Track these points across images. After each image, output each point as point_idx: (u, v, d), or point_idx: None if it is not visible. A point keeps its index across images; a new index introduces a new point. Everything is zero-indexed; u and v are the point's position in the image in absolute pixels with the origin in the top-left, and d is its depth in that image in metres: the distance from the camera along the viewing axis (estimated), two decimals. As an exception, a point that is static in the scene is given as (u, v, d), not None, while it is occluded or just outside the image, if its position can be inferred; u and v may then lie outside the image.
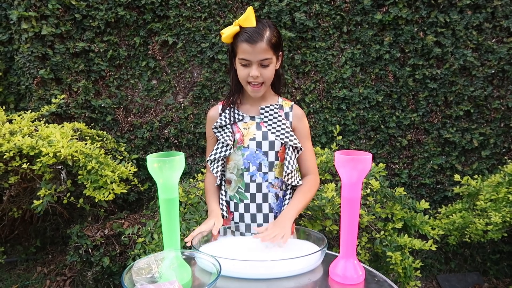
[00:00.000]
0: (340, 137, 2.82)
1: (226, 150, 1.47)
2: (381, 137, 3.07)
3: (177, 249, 1.06)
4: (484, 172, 3.04)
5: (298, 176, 1.50)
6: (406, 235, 2.27)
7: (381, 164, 2.56)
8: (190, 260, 1.05)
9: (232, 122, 1.49)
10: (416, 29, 2.87)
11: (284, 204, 1.47)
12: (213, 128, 1.52)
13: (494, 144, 3.03)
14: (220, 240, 1.31)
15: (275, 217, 1.46)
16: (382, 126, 3.05)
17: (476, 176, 2.77)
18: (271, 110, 1.48)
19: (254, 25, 1.33)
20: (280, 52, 1.43)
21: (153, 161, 1.04)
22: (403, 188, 2.39)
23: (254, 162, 1.46)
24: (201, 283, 0.91)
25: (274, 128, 1.45)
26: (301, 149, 1.46)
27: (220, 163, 1.51)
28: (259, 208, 1.47)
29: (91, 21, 2.90)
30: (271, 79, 1.41)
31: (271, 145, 1.44)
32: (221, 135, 1.49)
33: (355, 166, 1.04)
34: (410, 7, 2.85)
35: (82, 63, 2.96)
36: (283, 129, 1.45)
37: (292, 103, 1.52)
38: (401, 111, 3.02)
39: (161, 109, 3.12)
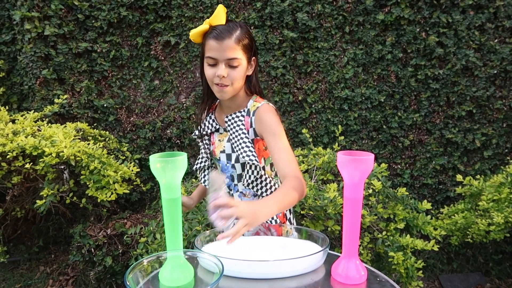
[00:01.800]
0: (342, 137, 2.80)
1: (201, 162, 1.48)
2: (383, 137, 3.07)
3: (180, 250, 1.06)
4: (487, 172, 3.02)
5: (267, 184, 1.40)
6: (408, 236, 2.26)
7: (383, 165, 2.54)
8: (192, 260, 1.06)
9: (209, 132, 1.46)
10: (418, 29, 2.87)
11: None
12: (195, 138, 1.51)
13: (496, 144, 3.01)
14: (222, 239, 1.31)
15: None
16: (384, 126, 3.05)
17: (478, 177, 2.75)
18: (234, 119, 1.37)
19: (224, 23, 1.25)
20: (254, 57, 1.33)
21: (155, 161, 1.04)
22: (405, 188, 2.39)
23: (227, 174, 1.43)
24: (204, 283, 0.92)
25: (234, 141, 1.36)
26: (256, 165, 1.34)
27: (206, 172, 1.52)
28: None
29: (93, 21, 2.91)
30: (239, 82, 1.29)
31: (237, 158, 1.38)
32: (202, 145, 1.49)
33: (357, 167, 1.03)
34: (412, 7, 2.84)
35: (85, 63, 2.96)
36: (239, 141, 1.34)
37: (261, 103, 1.34)
38: (403, 111, 3.02)
39: (164, 109, 3.12)
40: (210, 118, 1.45)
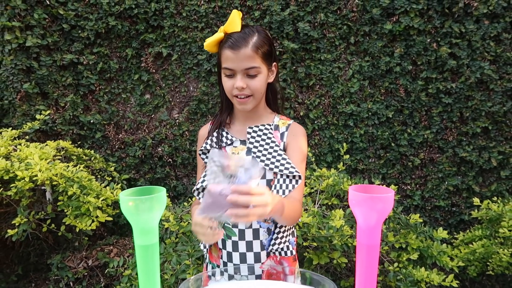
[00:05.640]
0: (348, 156, 2.65)
1: (203, 181, 1.29)
2: (392, 155, 2.88)
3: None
4: (504, 193, 2.83)
5: None
6: (422, 268, 2.06)
7: (392, 186, 2.37)
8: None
9: (219, 147, 1.31)
10: (429, 40, 2.70)
11: (277, 238, 1.27)
12: (200, 154, 1.34)
13: (514, 163, 2.81)
14: (211, 285, 1.10)
15: (268, 254, 1.27)
16: (393, 144, 2.87)
17: (495, 198, 2.57)
18: (261, 131, 1.29)
19: (239, 30, 1.19)
20: (274, 63, 1.27)
21: (126, 200, 0.84)
22: (418, 215, 2.20)
23: None
24: None
25: (260, 152, 1.25)
26: (299, 177, 1.22)
27: None
28: (249, 246, 1.27)
29: (80, 31, 2.78)
30: (260, 91, 1.24)
31: (264, 172, 1.25)
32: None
33: (374, 206, 0.83)
34: (422, 16, 2.68)
35: (70, 76, 2.82)
36: (273, 154, 1.23)
37: (291, 121, 1.33)
38: (413, 127, 2.84)
39: (155, 126, 2.95)
40: (223, 130, 1.34)
